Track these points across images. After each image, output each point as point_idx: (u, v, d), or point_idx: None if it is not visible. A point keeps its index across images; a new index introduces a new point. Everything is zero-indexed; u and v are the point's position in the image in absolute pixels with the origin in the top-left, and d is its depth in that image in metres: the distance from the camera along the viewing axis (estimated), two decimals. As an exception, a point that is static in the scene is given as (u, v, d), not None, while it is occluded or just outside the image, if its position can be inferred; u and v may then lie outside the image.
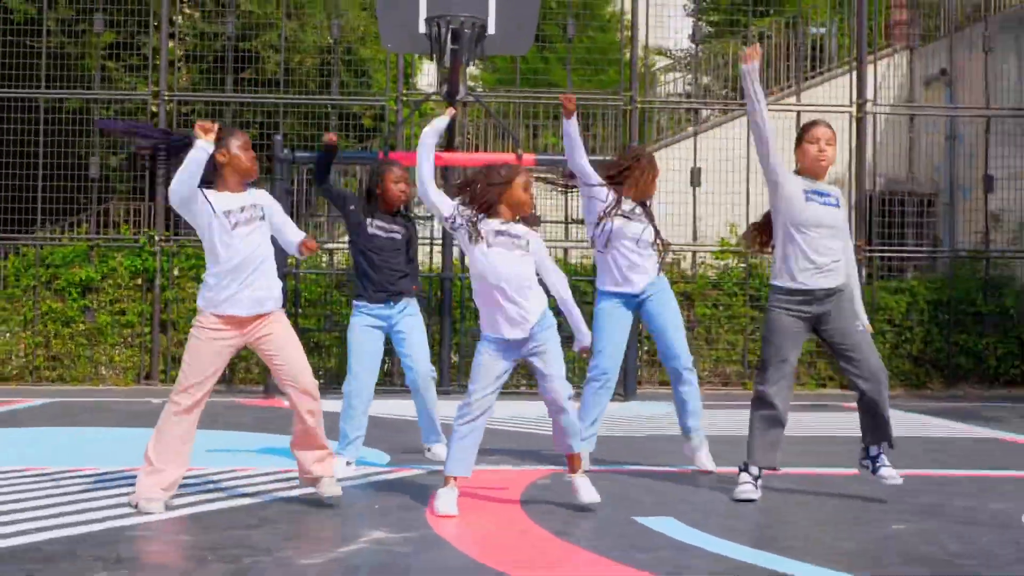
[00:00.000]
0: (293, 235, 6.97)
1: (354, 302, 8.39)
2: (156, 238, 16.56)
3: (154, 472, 6.58)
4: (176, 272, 16.60)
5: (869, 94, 17.81)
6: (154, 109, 17.14)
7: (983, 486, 8.03)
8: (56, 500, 6.90)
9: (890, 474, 7.08)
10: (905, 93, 19.71)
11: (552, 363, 6.77)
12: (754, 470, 7.20)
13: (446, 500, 6.58)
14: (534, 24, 14.05)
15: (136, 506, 6.52)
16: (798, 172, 7.31)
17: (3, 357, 16.44)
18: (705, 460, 8.39)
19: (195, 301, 15.01)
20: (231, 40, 17.68)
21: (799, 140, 7.38)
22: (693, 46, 18.37)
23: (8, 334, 16.54)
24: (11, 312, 16.56)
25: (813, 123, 7.43)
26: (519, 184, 6.70)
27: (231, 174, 6.70)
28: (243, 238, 6.64)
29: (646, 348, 16.20)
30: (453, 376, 14.93)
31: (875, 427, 7.17)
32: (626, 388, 14.65)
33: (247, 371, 16.33)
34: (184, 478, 7.02)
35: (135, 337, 16.63)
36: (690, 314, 17.05)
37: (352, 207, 8.48)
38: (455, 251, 15.71)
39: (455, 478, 6.65)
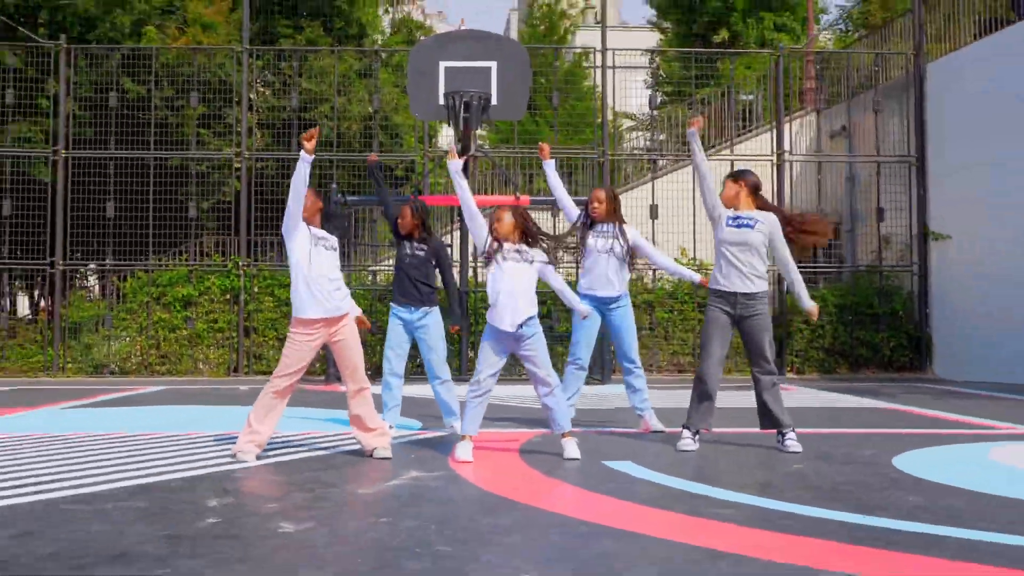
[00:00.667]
0: None
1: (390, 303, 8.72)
2: (240, 263, 16.92)
3: (251, 432, 6.93)
4: (256, 289, 16.96)
5: (786, 146, 18.24)
6: (236, 165, 17.53)
7: (860, 439, 8.31)
8: (175, 453, 7.24)
9: (792, 444, 7.44)
10: (814, 145, 20.04)
11: (540, 363, 7.06)
12: (692, 430, 7.59)
13: (463, 450, 6.94)
14: (526, 96, 14.43)
15: (235, 456, 6.88)
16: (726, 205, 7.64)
17: (125, 356, 16.81)
18: (654, 423, 8.70)
19: (271, 312, 15.33)
20: (295, 111, 18.11)
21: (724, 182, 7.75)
22: (650, 111, 18.66)
23: (128, 338, 16.95)
24: (130, 321, 16.94)
25: (735, 173, 7.79)
26: (498, 219, 7.10)
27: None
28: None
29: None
30: (470, 366, 15.27)
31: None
32: (603, 374, 15.02)
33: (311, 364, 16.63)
34: (272, 439, 7.45)
35: (225, 340, 16.99)
36: (651, 317, 17.46)
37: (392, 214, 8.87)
38: (469, 271, 16.11)
39: (469, 436, 7.06)
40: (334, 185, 15.56)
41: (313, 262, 6.89)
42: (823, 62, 21.71)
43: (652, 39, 32.73)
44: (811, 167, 19.01)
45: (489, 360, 7.07)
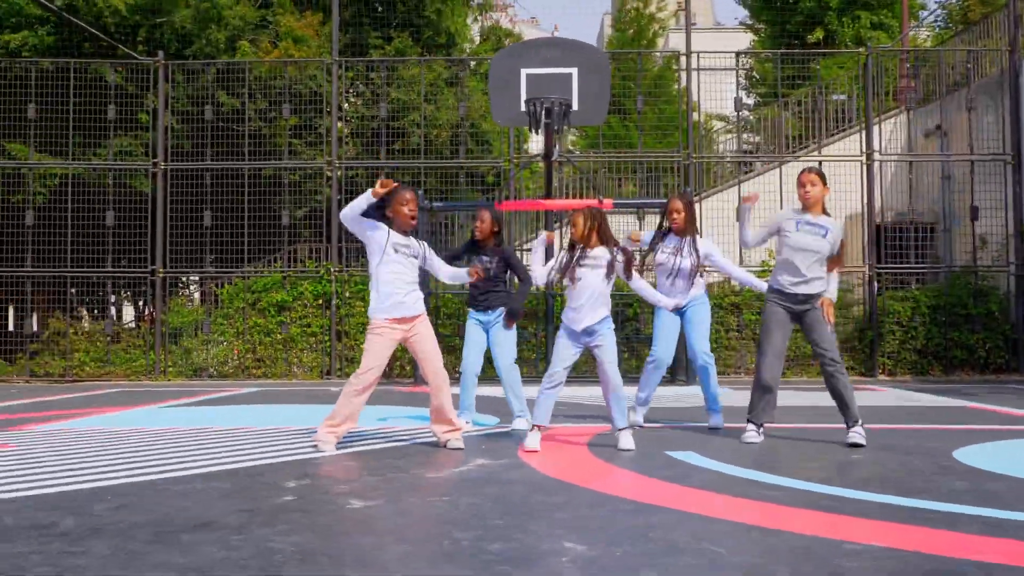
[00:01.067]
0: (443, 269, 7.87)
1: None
2: (332, 269, 17.48)
3: (332, 425, 7.38)
4: (347, 294, 17.50)
5: (876, 145, 18.26)
6: (328, 174, 18.11)
7: (931, 434, 8.41)
8: (262, 444, 7.71)
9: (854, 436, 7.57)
10: (909, 145, 19.98)
11: (607, 354, 7.31)
12: (756, 423, 7.85)
13: (532, 439, 7.30)
14: (606, 101, 14.67)
15: (316, 446, 7.34)
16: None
17: (222, 359, 17.47)
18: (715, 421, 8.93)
19: (362, 316, 15.86)
20: (384, 120, 18.62)
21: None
22: (736, 113, 18.84)
23: (225, 343, 17.60)
24: (227, 326, 17.59)
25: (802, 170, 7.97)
26: (572, 223, 7.53)
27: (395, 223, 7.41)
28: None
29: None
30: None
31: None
32: (688, 375, 15.21)
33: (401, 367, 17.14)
34: (352, 431, 7.92)
35: (318, 344, 17.55)
36: (739, 319, 17.63)
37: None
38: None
39: (539, 425, 7.40)
40: (420, 192, 16.00)
41: (385, 269, 7.32)
42: (917, 60, 21.63)
43: (745, 40, 32.76)
44: (904, 167, 19.00)
45: (561, 355, 7.39)
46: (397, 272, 7.34)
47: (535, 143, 27.84)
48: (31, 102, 17.58)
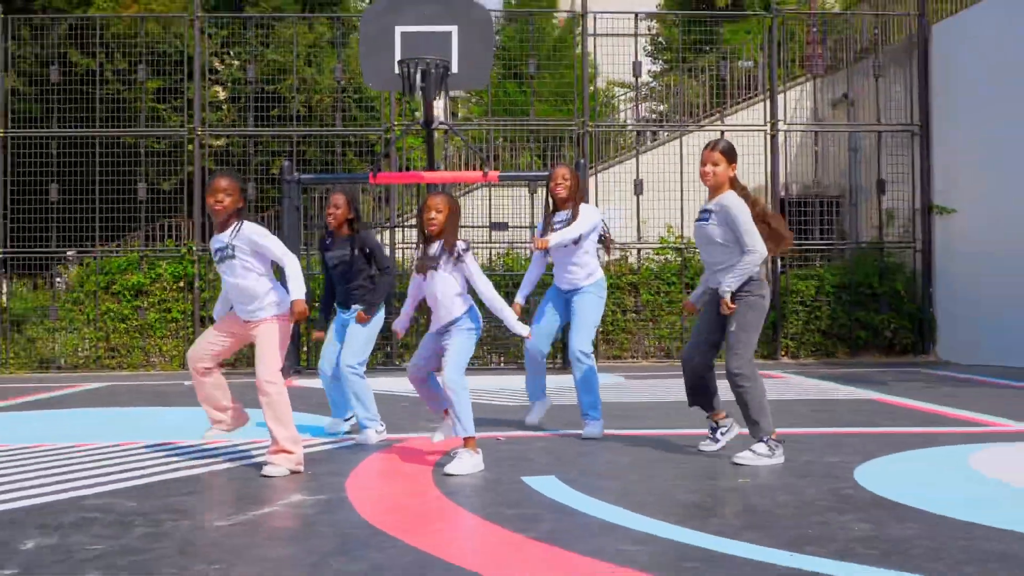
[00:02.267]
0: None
1: None
2: (194, 248, 16.34)
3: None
4: (211, 276, 16.36)
5: (781, 115, 17.56)
6: (190, 142, 16.92)
7: (833, 441, 7.68)
8: (48, 471, 6.65)
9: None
10: (816, 114, 19.37)
11: (447, 353, 6.61)
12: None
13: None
14: (490, 63, 13.73)
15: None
16: None
17: (71, 350, 16.28)
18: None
19: None
20: (253, 83, 17.49)
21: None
22: (635, 79, 17.92)
23: (75, 331, 16.38)
24: (76, 312, 16.40)
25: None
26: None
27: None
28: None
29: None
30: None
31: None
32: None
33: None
34: (167, 447, 6.85)
35: (179, 330, 16.44)
36: (636, 300, 16.84)
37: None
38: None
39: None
40: (286, 163, 14.90)
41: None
42: (824, 25, 20.94)
43: (652, 3, 31.95)
44: (810, 138, 18.33)
45: (420, 351, 6.91)
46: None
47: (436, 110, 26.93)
48: None
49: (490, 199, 16.89)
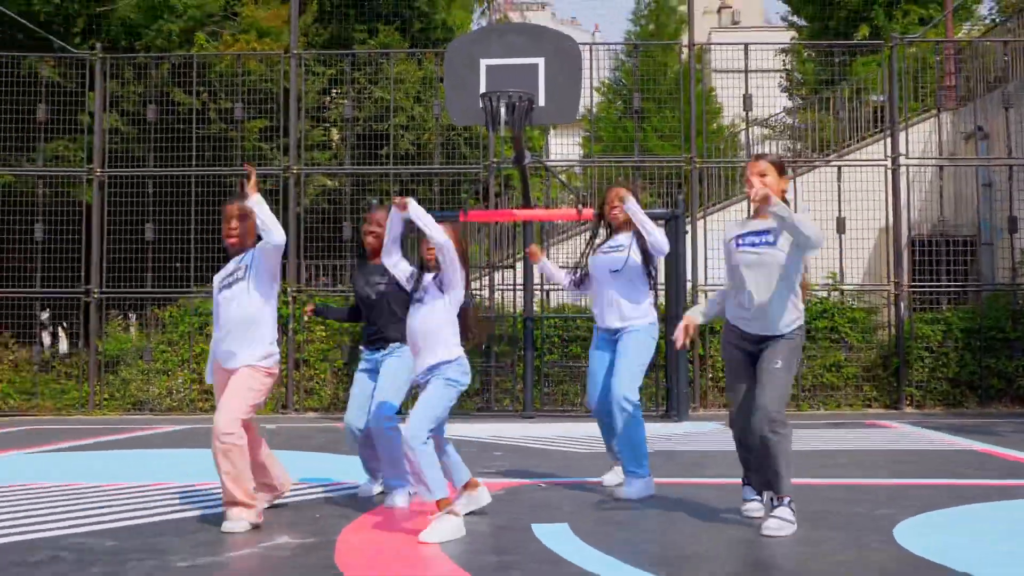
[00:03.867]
0: None
1: None
2: (290, 290, 16.49)
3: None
4: (305, 319, 16.49)
5: (903, 149, 17.08)
6: (287, 177, 17.13)
7: (893, 493, 7.35)
8: (80, 510, 6.74)
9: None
10: (948, 148, 18.85)
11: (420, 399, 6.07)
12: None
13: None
14: (578, 97, 13.61)
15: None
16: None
17: (165, 391, 16.54)
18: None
19: (322, 343, 15.08)
20: (348, 122, 17.71)
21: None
22: (745, 113, 17.62)
23: (168, 372, 16.64)
24: (171, 354, 16.69)
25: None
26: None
27: None
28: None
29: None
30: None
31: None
32: (680, 410, 14.23)
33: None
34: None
35: (274, 373, 16.57)
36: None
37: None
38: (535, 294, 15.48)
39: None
40: (374, 201, 15.04)
41: None
42: (958, 55, 20.39)
43: (788, 38, 31.70)
44: (937, 172, 17.80)
45: None
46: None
47: (556, 146, 26.92)
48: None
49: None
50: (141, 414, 16.26)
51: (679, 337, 6.40)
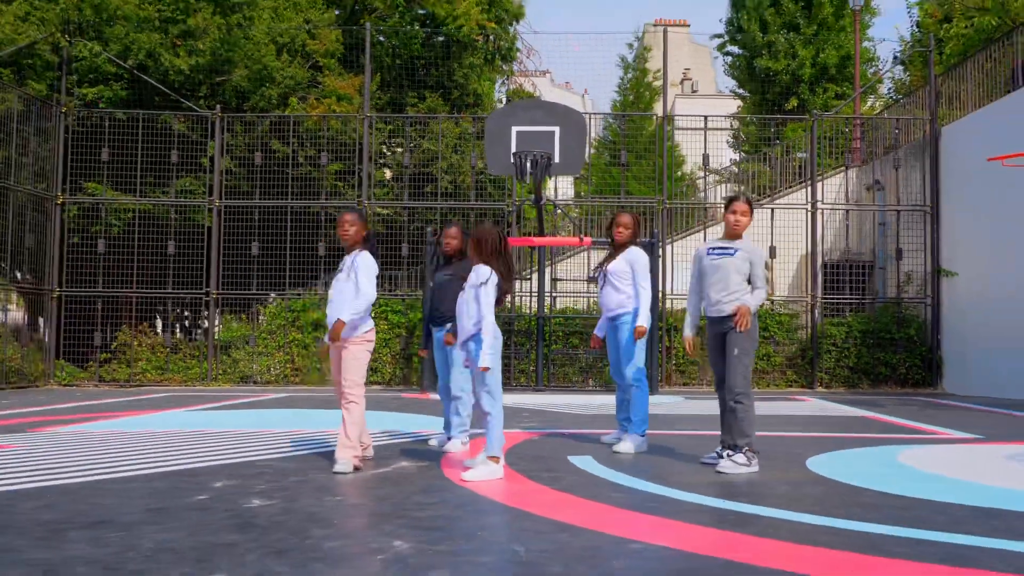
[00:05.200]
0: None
1: None
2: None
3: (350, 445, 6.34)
4: (373, 315, 17.33)
5: (819, 196, 18.13)
6: (360, 208, 18.02)
7: (809, 442, 8.23)
8: (234, 447, 7.73)
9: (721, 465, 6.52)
10: (853, 196, 19.88)
11: (476, 378, 6.14)
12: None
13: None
14: (583, 156, 14.67)
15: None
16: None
17: (264, 369, 17.50)
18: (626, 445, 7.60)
19: (384, 333, 15.51)
20: (417, 167, 18.70)
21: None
22: (703, 168, 18.71)
23: (268, 355, 17.58)
24: (270, 340, 17.58)
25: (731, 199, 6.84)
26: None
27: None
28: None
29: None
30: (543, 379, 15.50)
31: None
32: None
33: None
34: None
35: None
36: (703, 339, 17.39)
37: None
38: (547, 298, 16.42)
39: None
40: (429, 229, 16.03)
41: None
42: (860, 126, 21.47)
43: (731, 107, 32.55)
44: (845, 215, 18.93)
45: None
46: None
47: (561, 186, 27.85)
48: (105, 147, 17.73)
49: (587, 259, 17.71)
50: (247, 386, 17.21)
51: (690, 351, 7.02)
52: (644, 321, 7.60)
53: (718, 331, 6.75)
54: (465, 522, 4.57)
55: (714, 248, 6.80)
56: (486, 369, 5.97)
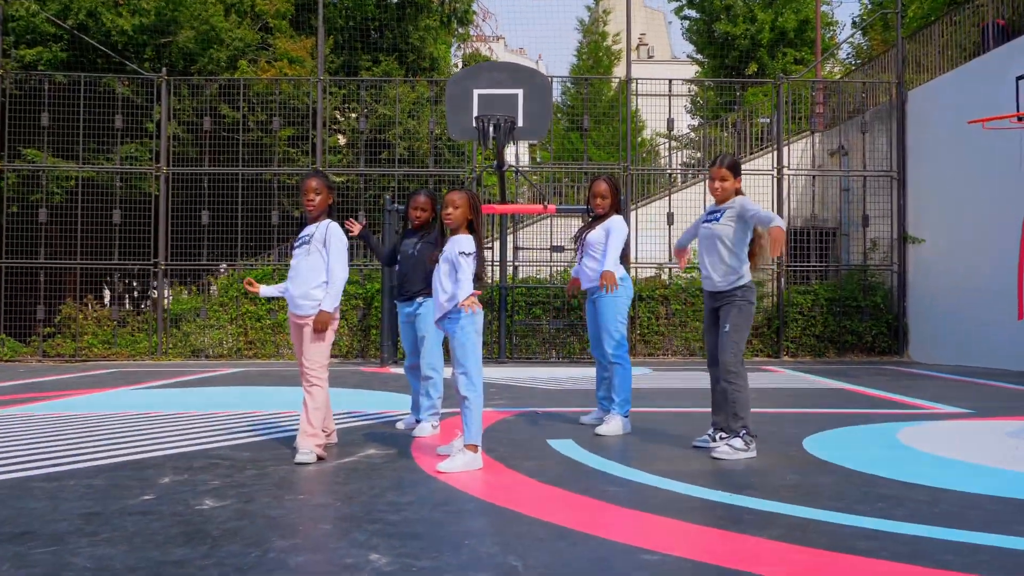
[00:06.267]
0: None
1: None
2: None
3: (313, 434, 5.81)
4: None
5: (785, 162, 17.73)
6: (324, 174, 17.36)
7: (799, 419, 7.85)
8: (184, 432, 7.14)
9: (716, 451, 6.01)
10: (817, 162, 19.49)
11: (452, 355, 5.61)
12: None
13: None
14: (548, 119, 14.03)
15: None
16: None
17: (217, 342, 16.86)
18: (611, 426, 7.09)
19: (343, 305, 15.00)
20: (363, 132, 18.03)
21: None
22: (668, 132, 18.21)
23: (220, 327, 16.95)
24: (221, 313, 16.95)
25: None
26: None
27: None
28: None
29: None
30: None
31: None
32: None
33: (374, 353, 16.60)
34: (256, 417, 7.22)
35: (301, 327, 16.90)
36: (667, 309, 17.08)
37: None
38: (509, 268, 15.86)
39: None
40: (388, 196, 15.42)
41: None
42: (825, 89, 21.07)
43: (692, 71, 32.12)
44: (811, 180, 18.51)
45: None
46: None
47: (519, 153, 27.25)
48: (45, 112, 16.83)
49: (550, 227, 17.24)
50: (198, 360, 16.55)
51: (681, 262, 6.56)
52: (612, 266, 7.03)
53: (711, 306, 6.28)
54: (448, 527, 4.01)
55: (709, 213, 6.30)
56: (472, 301, 5.41)
